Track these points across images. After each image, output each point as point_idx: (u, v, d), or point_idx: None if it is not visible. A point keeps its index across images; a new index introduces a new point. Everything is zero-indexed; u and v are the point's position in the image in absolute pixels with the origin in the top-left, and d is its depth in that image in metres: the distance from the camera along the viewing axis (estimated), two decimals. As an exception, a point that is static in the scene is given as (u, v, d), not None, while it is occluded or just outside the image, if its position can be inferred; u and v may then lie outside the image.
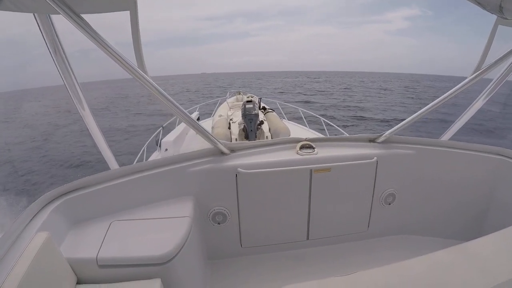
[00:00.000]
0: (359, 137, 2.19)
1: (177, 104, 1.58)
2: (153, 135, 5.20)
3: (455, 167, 2.14)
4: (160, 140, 4.46)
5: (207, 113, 7.41)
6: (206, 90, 47.86)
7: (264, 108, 4.87)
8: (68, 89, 1.66)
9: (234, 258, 2.13)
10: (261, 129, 3.76)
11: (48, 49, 1.53)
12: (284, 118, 5.79)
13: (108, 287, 1.35)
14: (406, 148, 2.13)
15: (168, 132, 4.81)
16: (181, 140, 4.67)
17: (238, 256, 2.14)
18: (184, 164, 1.87)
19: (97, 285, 1.37)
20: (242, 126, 3.72)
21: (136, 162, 4.14)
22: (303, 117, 5.83)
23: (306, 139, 2.10)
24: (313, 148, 2.04)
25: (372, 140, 2.18)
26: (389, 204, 2.22)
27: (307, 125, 5.57)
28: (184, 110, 1.63)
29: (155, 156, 4.53)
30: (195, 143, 4.54)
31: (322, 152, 2.03)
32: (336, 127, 5.13)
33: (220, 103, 6.60)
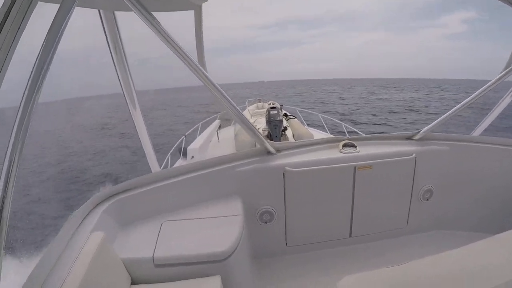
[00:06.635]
0: (397, 135, 2.26)
1: (233, 103, 1.65)
2: (176, 144, 5.29)
3: (488, 162, 2.18)
4: (185, 148, 4.57)
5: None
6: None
7: (285, 115, 4.95)
8: (123, 87, 1.75)
9: (279, 257, 2.16)
10: (285, 134, 3.81)
11: (109, 45, 1.62)
12: (305, 125, 5.85)
13: (164, 286, 1.35)
14: (441, 144, 2.19)
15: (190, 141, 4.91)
16: (205, 147, 4.77)
17: (283, 255, 2.17)
18: (231, 164, 1.93)
19: (153, 284, 1.36)
20: (266, 133, 3.76)
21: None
22: (324, 123, 5.89)
23: (348, 138, 2.17)
24: (355, 146, 2.10)
25: (409, 138, 2.24)
26: (427, 200, 2.25)
27: (328, 131, 5.62)
28: (239, 109, 1.70)
29: (180, 163, 4.58)
30: (219, 150, 4.64)
31: (363, 150, 2.09)
32: (359, 132, 5.16)
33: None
